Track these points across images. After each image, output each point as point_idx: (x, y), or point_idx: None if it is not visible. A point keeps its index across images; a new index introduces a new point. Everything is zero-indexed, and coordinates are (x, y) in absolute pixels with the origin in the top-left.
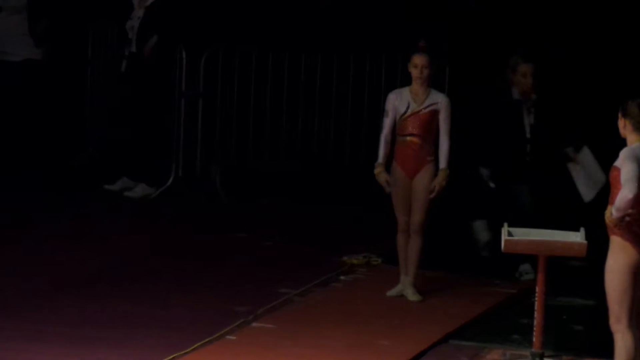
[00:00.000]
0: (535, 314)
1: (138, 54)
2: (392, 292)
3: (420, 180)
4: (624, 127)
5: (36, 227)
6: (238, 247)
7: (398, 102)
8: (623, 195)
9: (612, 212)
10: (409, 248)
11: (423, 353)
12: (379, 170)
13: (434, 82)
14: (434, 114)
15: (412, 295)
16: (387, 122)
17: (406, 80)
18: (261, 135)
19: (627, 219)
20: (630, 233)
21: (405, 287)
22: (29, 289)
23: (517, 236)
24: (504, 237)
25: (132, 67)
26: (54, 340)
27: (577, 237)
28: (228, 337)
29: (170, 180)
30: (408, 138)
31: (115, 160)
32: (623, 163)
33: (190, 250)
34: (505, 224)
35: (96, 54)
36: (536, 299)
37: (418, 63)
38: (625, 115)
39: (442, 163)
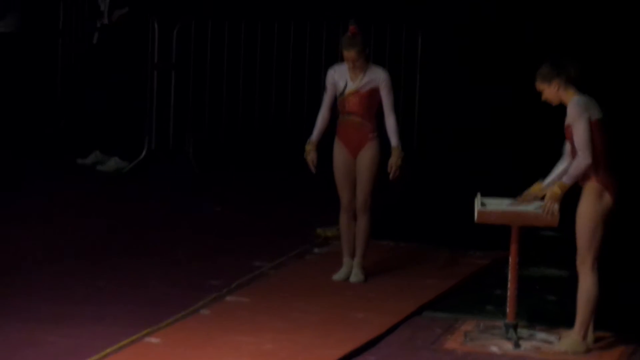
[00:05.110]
0: (509, 285)
1: (110, 26)
2: (337, 276)
3: (363, 158)
4: (557, 90)
5: (7, 201)
6: (212, 220)
7: (337, 78)
8: (579, 162)
9: (564, 182)
10: (356, 228)
11: (397, 325)
12: (309, 148)
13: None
14: (373, 91)
15: (353, 276)
16: (325, 99)
17: None
18: (234, 107)
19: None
20: (609, 178)
21: (353, 267)
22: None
23: (490, 207)
24: (476, 207)
25: (103, 39)
26: (27, 317)
27: None
28: (202, 311)
29: (143, 153)
30: (348, 116)
31: (88, 133)
32: (576, 120)
33: (163, 223)
34: (478, 194)
35: (68, 25)
36: (509, 269)
37: (348, 58)
38: (553, 78)
39: (393, 141)
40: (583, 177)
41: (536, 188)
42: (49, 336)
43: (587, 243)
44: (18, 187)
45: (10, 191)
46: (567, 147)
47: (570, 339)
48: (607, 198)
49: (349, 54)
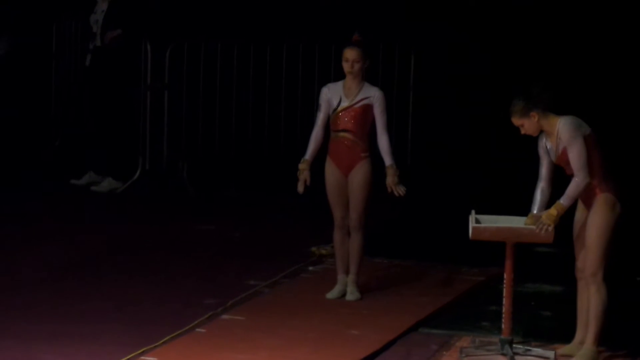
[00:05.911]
0: (504, 301)
1: (102, 48)
2: (331, 295)
3: (355, 176)
4: (537, 120)
5: (2, 222)
6: (206, 239)
7: (330, 95)
8: (579, 182)
9: (562, 203)
10: (350, 246)
11: (393, 342)
12: (302, 167)
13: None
14: (367, 108)
15: (349, 294)
16: (320, 117)
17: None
18: (228, 126)
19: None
20: (618, 188)
21: (347, 286)
22: None
23: (484, 223)
24: (471, 224)
25: (96, 61)
26: (23, 335)
27: None
28: (198, 329)
29: (137, 174)
30: (341, 134)
31: (82, 154)
32: (572, 139)
33: (158, 243)
34: (473, 211)
35: (61, 48)
36: (504, 285)
37: (349, 57)
38: (530, 110)
39: (387, 160)
40: (587, 194)
41: (531, 220)
42: (44, 354)
43: (601, 254)
44: (12, 208)
45: (3, 212)
46: (544, 171)
47: (587, 351)
48: (618, 208)
49: (351, 52)
